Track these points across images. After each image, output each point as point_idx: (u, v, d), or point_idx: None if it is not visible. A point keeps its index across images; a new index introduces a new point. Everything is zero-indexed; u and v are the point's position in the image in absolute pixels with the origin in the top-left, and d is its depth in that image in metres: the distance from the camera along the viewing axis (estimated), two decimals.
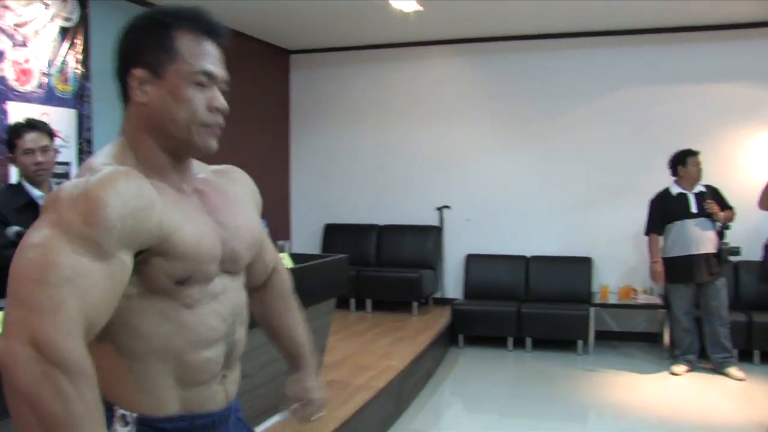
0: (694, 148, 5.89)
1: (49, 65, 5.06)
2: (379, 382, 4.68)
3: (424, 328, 6.58)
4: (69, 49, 5.22)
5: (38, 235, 1.14)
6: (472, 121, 7.57)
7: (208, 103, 1.37)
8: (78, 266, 1.12)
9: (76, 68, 5.30)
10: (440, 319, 6.92)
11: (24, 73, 4.87)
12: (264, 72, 7.66)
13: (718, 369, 5.74)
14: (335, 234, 7.99)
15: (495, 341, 6.75)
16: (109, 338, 1.26)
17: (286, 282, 1.78)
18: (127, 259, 1.21)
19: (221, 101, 1.39)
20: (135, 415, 1.31)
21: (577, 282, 6.97)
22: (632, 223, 6.43)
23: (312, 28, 7.18)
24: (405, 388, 5.04)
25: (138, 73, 1.34)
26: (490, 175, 7.50)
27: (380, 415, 4.48)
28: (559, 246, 7.21)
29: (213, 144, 1.40)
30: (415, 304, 7.29)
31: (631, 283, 6.73)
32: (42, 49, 4.99)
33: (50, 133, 3.39)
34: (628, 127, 7.01)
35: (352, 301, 7.48)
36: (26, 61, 4.88)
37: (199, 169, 1.50)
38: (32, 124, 3.34)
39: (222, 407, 1.45)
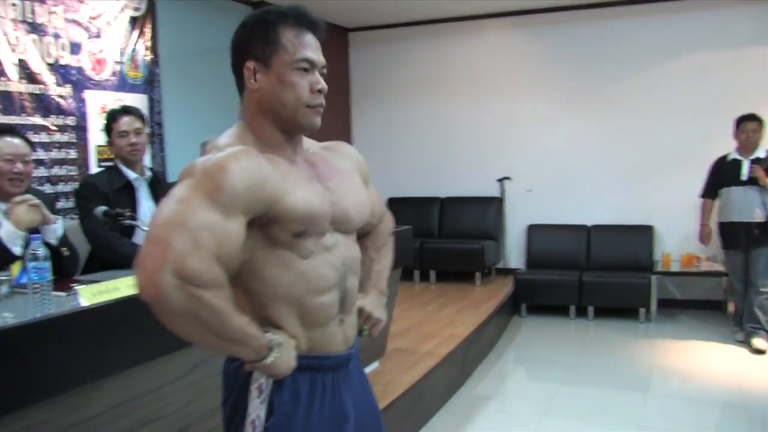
0: (759, 113, 5.81)
1: (121, 54, 5.35)
2: (444, 349, 4.85)
3: (487, 297, 6.72)
4: (138, 37, 5.49)
5: (179, 194, 1.40)
6: (530, 93, 7.61)
7: (311, 86, 1.59)
8: (211, 219, 1.37)
9: (146, 55, 5.57)
10: (503, 289, 7.05)
11: (99, 63, 5.16)
12: (324, 50, 7.76)
13: (745, 340, 5.71)
14: (398, 207, 8.13)
15: (557, 310, 6.85)
16: (243, 286, 1.51)
17: (385, 226, 1.99)
18: (244, 221, 1.44)
19: (322, 84, 1.62)
20: None
21: (639, 250, 6.99)
22: (694, 190, 6.39)
23: (369, 6, 7.31)
24: (469, 355, 5.20)
25: (250, 64, 1.58)
26: (550, 145, 7.54)
27: (445, 380, 4.66)
28: (620, 215, 7.23)
29: (317, 122, 1.62)
30: (478, 274, 7.43)
31: (694, 251, 6.71)
32: (114, 39, 5.28)
33: (142, 118, 3.67)
34: (689, 93, 6.94)
35: (416, 273, 7.67)
36: (100, 51, 5.16)
37: (309, 145, 1.73)
38: (126, 109, 3.64)
39: (342, 351, 1.67)
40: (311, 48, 1.60)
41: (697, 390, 4.84)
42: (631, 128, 7.19)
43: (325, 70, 1.64)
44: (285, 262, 1.53)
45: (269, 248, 1.52)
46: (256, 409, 1.55)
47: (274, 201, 1.48)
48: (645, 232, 7.06)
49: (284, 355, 1.52)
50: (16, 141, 3.03)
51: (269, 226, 1.50)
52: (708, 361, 5.45)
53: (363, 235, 1.93)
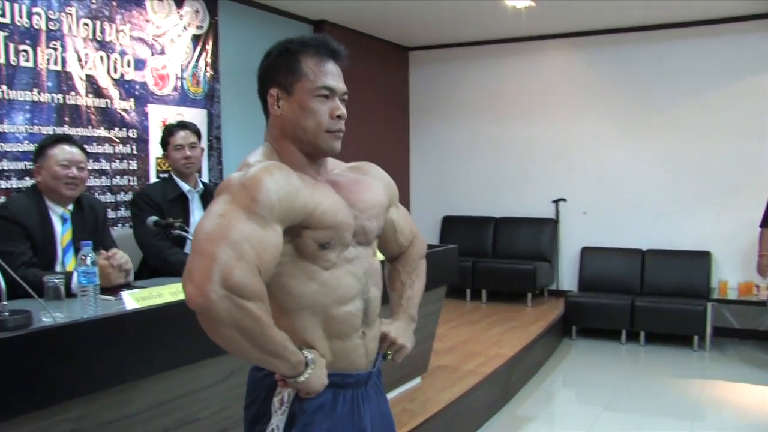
0: None
1: (183, 70, 5.57)
2: (487, 368, 4.88)
3: (537, 318, 6.70)
4: (200, 54, 5.71)
5: (219, 208, 1.49)
6: (587, 114, 7.58)
7: (331, 112, 1.67)
8: (251, 231, 1.46)
9: (207, 71, 5.78)
10: (554, 311, 7.02)
11: (161, 78, 5.39)
12: (384, 69, 7.98)
13: None
14: (453, 226, 8.21)
15: (608, 334, 6.77)
16: (272, 297, 1.59)
17: (417, 250, 2.05)
18: (280, 231, 1.53)
19: (342, 110, 1.70)
20: None
21: (695, 276, 6.87)
22: (754, 216, 6.26)
23: (429, 26, 7.41)
24: (513, 376, 5.21)
25: (273, 91, 1.68)
26: (606, 167, 7.49)
27: (486, 400, 4.68)
28: (676, 239, 7.12)
29: (336, 146, 1.71)
30: (529, 295, 7.42)
31: (753, 279, 6.55)
32: (177, 55, 5.51)
33: (198, 133, 3.86)
34: (751, 117, 6.80)
35: (468, 292, 7.70)
36: (163, 67, 5.39)
37: (335, 166, 1.82)
38: (183, 124, 3.87)
39: (363, 368, 1.74)
40: (332, 76, 1.68)
41: (748, 426, 4.73)
42: (690, 151, 7.10)
43: (346, 97, 1.72)
44: (309, 273, 1.62)
45: (295, 260, 1.61)
46: (277, 419, 1.63)
47: (306, 212, 1.57)
48: (702, 258, 6.93)
49: (318, 372, 1.60)
50: (73, 149, 3.24)
51: (299, 236, 1.59)
52: (763, 395, 5.31)
53: (393, 259, 2.01)
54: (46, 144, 3.24)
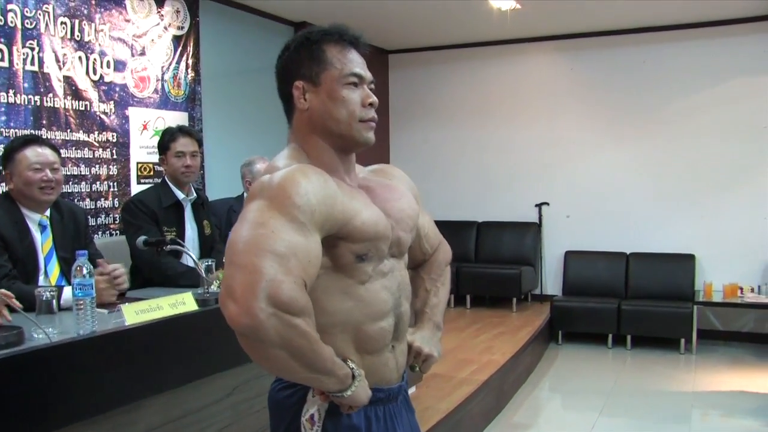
0: None
1: (164, 72, 5.38)
2: (481, 376, 4.77)
3: (523, 324, 6.61)
4: (181, 56, 5.52)
5: (257, 216, 1.35)
6: (571, 118, 7.53)
7: (362, 100, 1.55)
8: (295, 241, 1.33)
9: (188, 73, 5.60)
10: (539, 316, 6.94)
11: (142, 80, 5.20)
12: None
13: None
14: None
15: (594, 338, 6.71)
16: None
17: (443, 256, 1.92)
18: (320, 239, 1.40)
19: (373, 97, 1.57)
20: None
21: (680, 279, 6.83)
22: (737, 218, 6.26)
23: (409, 28, 7.31)
24: (506, 383, 5.11)
25: (299, 84, 1.55)
26: (590, 171, 7.45)
27: (482, 408, 4.57)
28: (660, 242, 7.09)
29: (371, 137, 1.58)
30: (514, 300, 7.33)
31: (738, 281, 6.54)
32: (157, 56, 5.32)
33: (200, 141, 3.66)
34: (733, 120, 6.81)
35: (452, 297, 7.58)
36: (144, 68, 5.20)
37: (358, 170, 1.69)
38: (186, 131, 3.66)
39: (394, 382, 1.61)
40: (357, 63, 1.58)
41: (739, 424, 4.71)
42: (673, 154, 7.08)
43: (372, 85, 1.61)
44: (344, 288, 1.49)
45: (329, 275, 1.48)
46: None
47: (345, 220, 1.45)
48: (686, 261, 6.91)
49: (363, 384, 1.49)
50: (44, 150, 2.99)
51: (335, 247, 1.46)
52: (752, 395, 5.28)
53: (417, 265, 1.88)
54: (15, 147, 2.98)
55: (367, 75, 1.59)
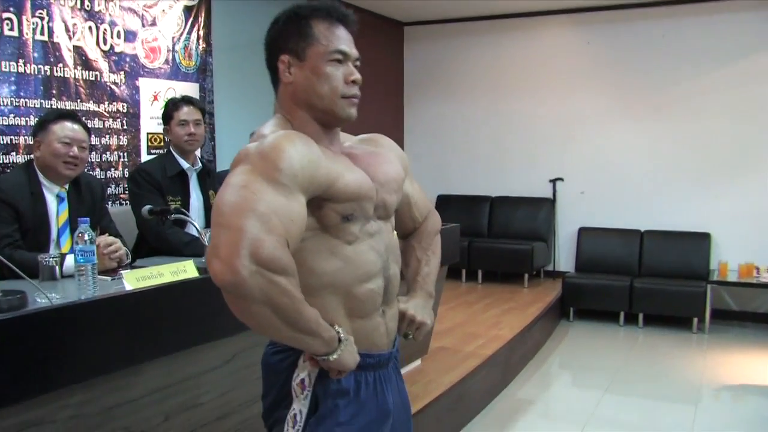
0: None
1: (175, 42, 5.44)
2: (488, 350, 4.83)
3: (534, 300, 6.66)
4: (192, 26, 5.57)
5: (240, 179, 1.41)
6: (586, 92, 7.51)
7: (345, 77, 1.62)
8: (277, 201, 1.39)
9: (200, 44, 5.65)
10: (551, 292, 6.99)
11: (152, 51, 5.25)
12: (378, 45, 7.85)
13: None
14: (448, 204, 8.13)
15: (606, 315, 6.74)
16: None
17: (432, 224, 1.99)
18: (304, 201, 1.46)
19: (356, 75, 1.64)
20: None
21: (694, 258, 6.84)
22: (755, 197, 6.24)
23: (425, 1, 7.29)
24: (513, 358, 5.17)
25: (284, 58, 1.62)
26: (605, 146, 7.44)
27: (487, 382, 4.63)
28: (675, 220, 7.08)
29: (353, 113, 1.64)
30: (526, 276, 7.38)
31: (754, 261, 6.53)
32: (168, 27, 5.38)
33: (203, 110, 3.75)
34: (753, 97, 6.76)
35: (463, 272, 7.65)
36: (154, 39, 5.26)
37: (345, 138, 1.76)
38: (188, 99, 3.73)
39: (384, 347, 1.68)
40: (344, 40, 1.63)
41: (750, 406, 4.73)
42: (691, 131, 7.04)
43: (358, 63, 1.67)
44: (331, 249, 1.55)
45: (317, 235, 1.54)
46: (300, 404, 1.56)
47: (329, 182, 1.51)
48: (701, 240, 6.91)
49: (350, 348, 1.54)
50: (76, 126, 3.09)
51: (320, 208, 1.53)
52: (764, 376, 5.30)
53: (408, 234, 1.94)
54: (49, 119, 3.09)
55: (353, 52, 1.65)
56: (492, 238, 7.79)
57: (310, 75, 1.60)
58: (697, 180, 7.04)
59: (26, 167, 3.09)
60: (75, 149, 3.04)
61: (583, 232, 7.47)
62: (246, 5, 6.11)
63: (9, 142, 4.27)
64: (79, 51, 4.64)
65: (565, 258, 7.74)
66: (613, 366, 5.48)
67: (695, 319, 6.42)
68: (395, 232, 1.78)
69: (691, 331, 6.42)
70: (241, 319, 1.38)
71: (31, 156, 3.15)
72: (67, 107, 4.52)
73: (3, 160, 4.23)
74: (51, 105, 4.44)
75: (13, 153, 4.28)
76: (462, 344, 5.01)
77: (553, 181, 7.71)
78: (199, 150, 5.43)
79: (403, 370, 4.20)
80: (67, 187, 3.12)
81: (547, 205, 7.72)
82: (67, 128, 3.06)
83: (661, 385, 5.10)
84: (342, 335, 1.52)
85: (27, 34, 4.32)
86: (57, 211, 3.08)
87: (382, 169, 1.71)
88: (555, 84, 7.65)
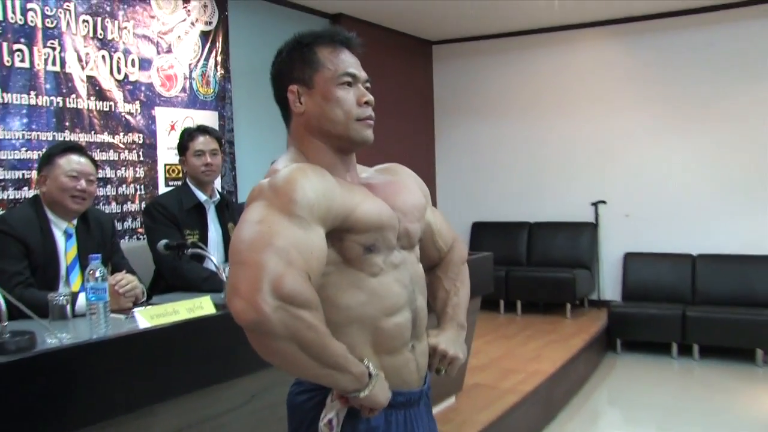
0: None
1: (191, 69, 5.56)
2: (527, 386, 4.80)
3: (577, 331, 6.61)
4: (210, 52, 5.69)
5: (256, 215, 1.46)
6: (629, 108, 7.49)
7: (357, 99, 1.66)
8: (295, 235, 1.43)
9: (217, 71, 5.76)
10: (596, 322, 6.93)
11: (168, 79, 5.37)
12: (406, 65, 7.94)
13: None
14: (484, 232, 8.13)
15: (657, 347, 6.65)
16: None
17: (458, 253, 2.01)
18: (323, 233, 1.51)
19: (369, 96, 1.68)
20: None
21: (756, 283, 6.71)
22: None
23: (454, 17, 7.36)
24: (555, 394, 5.13)
25: (293, 88, 1.67)
26: (651, 166, 7.39)
27: (527, 421, 4.60)
28: (731, 243, 6.99)
29: (369, 134, 1.68)
30: (568, 305, 7.33)
31: None
32: (184, 53, 5.50)
33: (219, 139, 3.83)
34: None
35: (501, 303, 7.61)
36: (170, 66, 5.38)
37: (363, 170, 1.80)
38: (204, 129, 3.82)
39: (415, 385, 1.70)
40: (350, 63, 1.68)
41: None
42: (746, 146, 6.97)
43: (368, 84, 1.71)
44: (355, 282, 1.58)
45: (340, 269, 1.57)
46: None
47: (347, 212, 1.55)
48: (762, 263, 6.79)
49: (382, 384, 1.56)
50: (83, 159, 3.17)
51: (342, 240, 1.56)
52: None
53: (434, 265, 1.96)
54: (54, 152, 3.17)
55: (362, 74, 1.70)
56: (531, 267, 7.76)
57: (321, 101, 1.64)
58: (753, 197, 6.95)
59: (33, 202, 3.17)
60: (82, 182, 3.11)
61: (629, 257, 7.41)
62: (264, 29, 6.21)
63: (21, 176, 4.38)
64: (92, 81, 4.77)
65: (610, 286, 7.67)
66: (665, 402, 5.40)
67: (760, 351, 6.27)
68: (420, 264, 1.80)
69: (755, 363, 6.28)
70: (267, 358, 1.40)
71: (37, 191, 3.22)
72: (81, 139, 4.64)
73: (15, 195, 4.34)
74: (64, 137, 4.55)
75: (26, 188, 4.38)
76: (499, 380, 4.98)
77: (595, 204, 7.68)
78: (218, 181, 5.57)
79: (436, 409, 4.20)
80: (75, 222, 3.19)
81: (589, 229, 7.68)
82: (74, 161, 3.13)
83: (720, 424, 4.99)
84: (372, 370, 1.54)
85: (38, 65, 4.45)
86: (65, 247, 3.14)
87: (402, 197, 1.74)
88: (594, 100, 7.64)
